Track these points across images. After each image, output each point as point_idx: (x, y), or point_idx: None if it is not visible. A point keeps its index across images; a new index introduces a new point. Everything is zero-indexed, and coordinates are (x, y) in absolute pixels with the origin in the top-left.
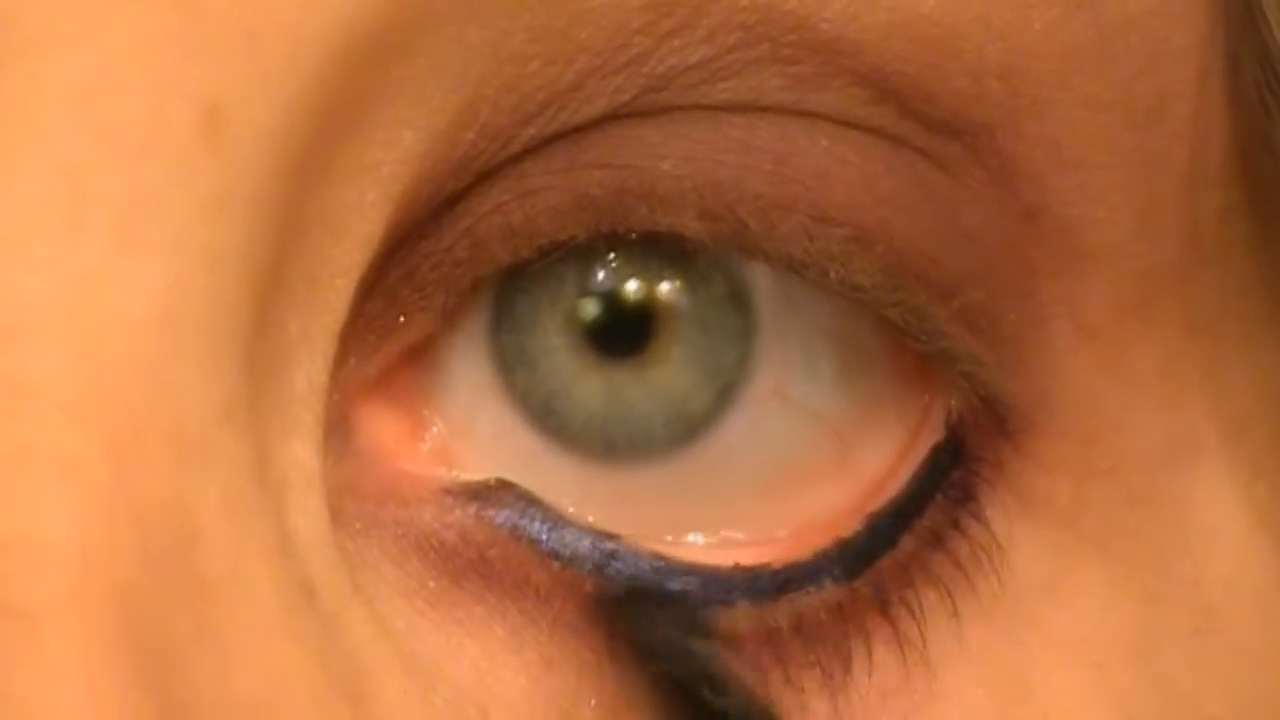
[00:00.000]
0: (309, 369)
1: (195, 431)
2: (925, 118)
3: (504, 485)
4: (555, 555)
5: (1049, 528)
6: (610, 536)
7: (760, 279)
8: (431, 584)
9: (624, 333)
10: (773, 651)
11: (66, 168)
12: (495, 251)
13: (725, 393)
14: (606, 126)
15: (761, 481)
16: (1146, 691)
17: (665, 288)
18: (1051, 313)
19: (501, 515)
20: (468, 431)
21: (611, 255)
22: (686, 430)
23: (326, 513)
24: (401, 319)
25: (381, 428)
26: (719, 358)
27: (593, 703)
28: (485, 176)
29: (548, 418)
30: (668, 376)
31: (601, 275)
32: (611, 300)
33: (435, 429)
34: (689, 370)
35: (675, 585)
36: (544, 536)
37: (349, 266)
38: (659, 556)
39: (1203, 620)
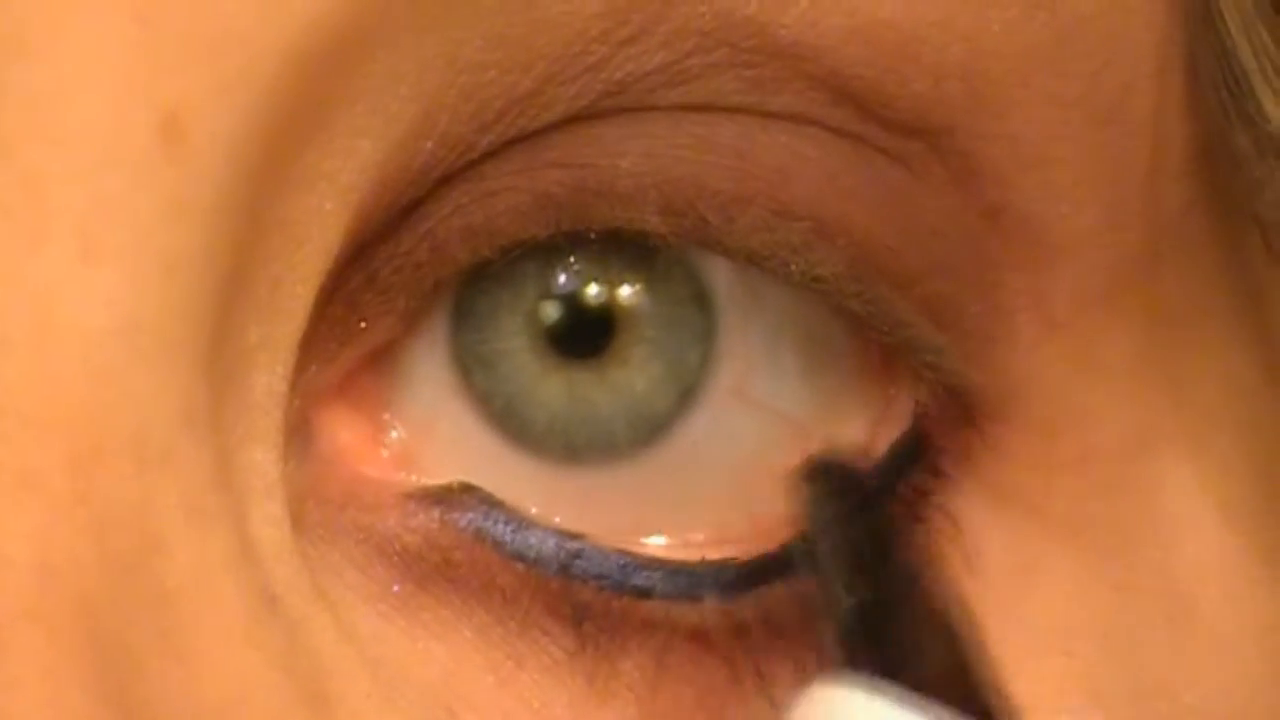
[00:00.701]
0: (269, 376)
1: (156, 440)
2: (885, 119)
3: (467, 488)
4: (520, 557)
5: (1017, 517)
6: (575, 536)
7: (721, 278)
8: (396, 588)
9: (585, 334)
10: (743, 645)
11: (27, 176)
12: (455, 252)
13: (687, 393)
14: (565, 127)
15: (725, 480)
16: (1118, 678)
17: (626, 290)
18: (1016, 305)
19: (465, 518)
20: (429, 435)
21: (572, 257)
22: (649, 431)
23: (288, 519)
24: (363, 324)
25: (342, 432)
26: (681, 358)
27: (564, 701)
28: (444, 180)
29: (509, 420)
30: (629, 377)
31: (563, 277)
32: (572, 302)
33: (396, 433)
34: (650, 371)
35: (641, 581)
36: (508, 538)
37: (308, 274)
38: (625, 554)
39: (1174, 607)
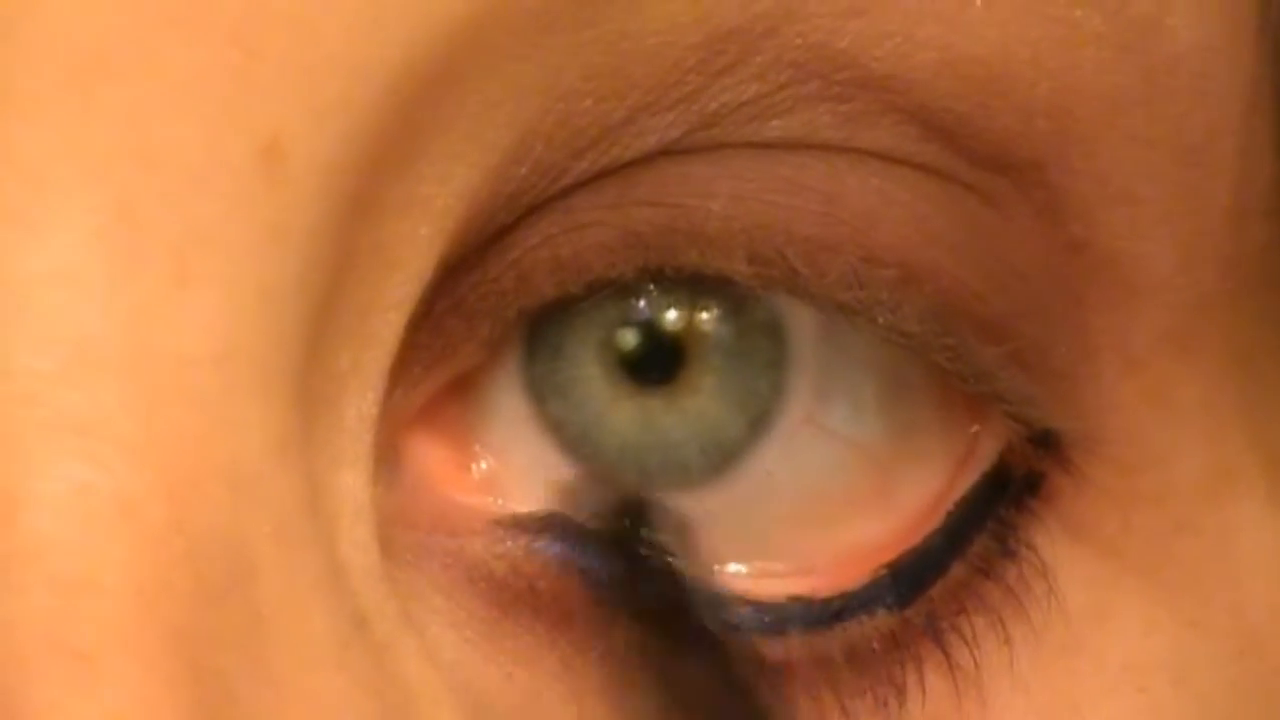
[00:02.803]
0: (359, 401)
1: (249, 467)
2: (973, 154)
3: (554, 517)
4: (606, 586)
5: (1095, 555)
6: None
7: (799, 309)
8: (481, 615)
9: (657, 361)
10: (827, 680)
11: (123, 199)
12: (541, 284)
13: (759, 421)
14: (656, 162)
15: (800, 510)
16: (1189, 715)
17: (700, 316)
18: (1099, 344)
19: (552, 548)
20: (510, 462)
21: (651, 285)
22: (722, 459)
23: (376, 544)
24: (448, 350)
25: (429, 458)
26: (752, 386)
27: None
28: (534, 210)
29: (583, 447)
30: (701, 405)
31: (636, 303)
32: (645, 329)
33: (482, 461)
34: (722, 399)
35: (729, 616)
36: (594, 567)
37: (400, 299)
38: (710, 587)
39: (1245, 645)
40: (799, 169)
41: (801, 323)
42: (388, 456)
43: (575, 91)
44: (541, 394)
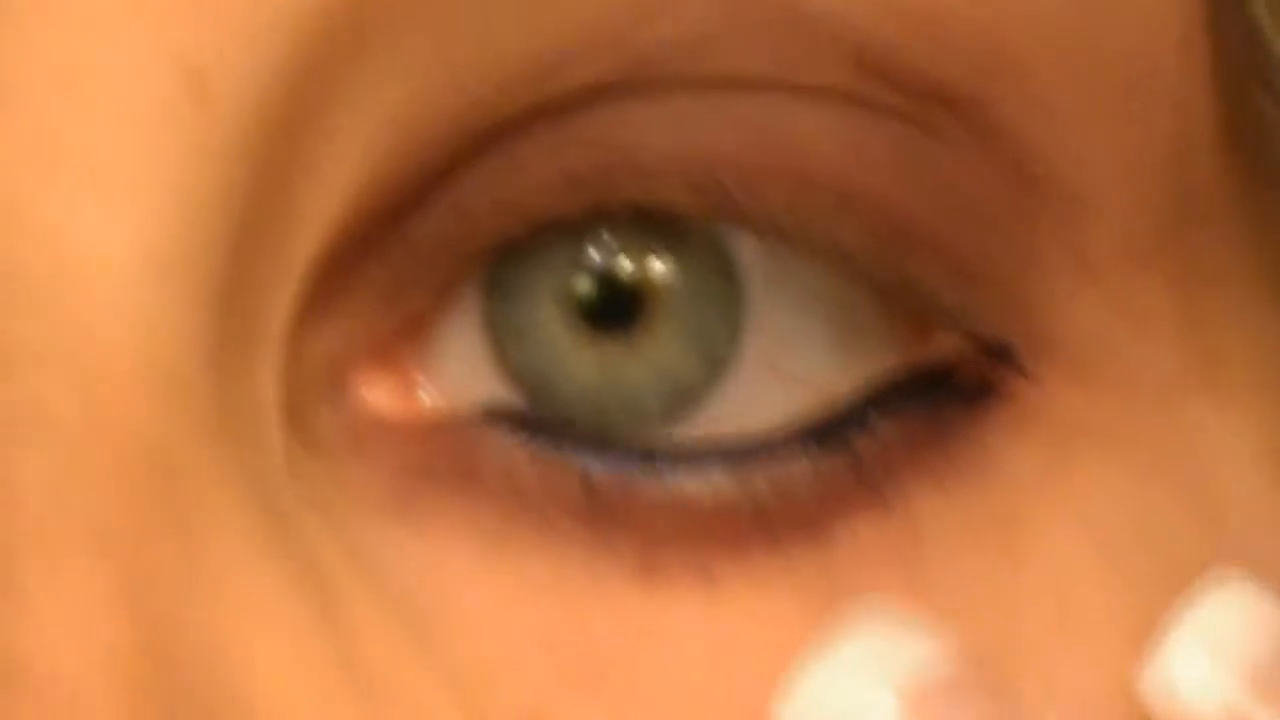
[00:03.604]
0: (276, 306)
1: (172, 371)
2: (910, 88)
3: (496, 412)
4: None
5: (1051, 443)
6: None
7: (748, 251)
8: (402, 497)
9: (615, 309)
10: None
11: (49, 122)
12: (484, 224)
13: (717, 366)
14: (591, 105)
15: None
16: (1156, 572)
17: (655, 264)
18: (1050, 257)
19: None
20: (460, 403)
21: (603, 232)
22: (680, 404)
23: (299, 441)
24: (399, 289)
25: (377, 392)
26: (709, 331)
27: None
28: (473, 151)
29: (540, 391)
30: (659, 350)
31: (588, 249)
32: (601, 276)
33: (431, 402)
34: (679, 344)
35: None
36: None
37: (323, 212)
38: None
39: (1207, 510)
40: (733, 102)
41: (753, 262)
42: (335, 388)
43: (501, 21)
44: (498, 337)
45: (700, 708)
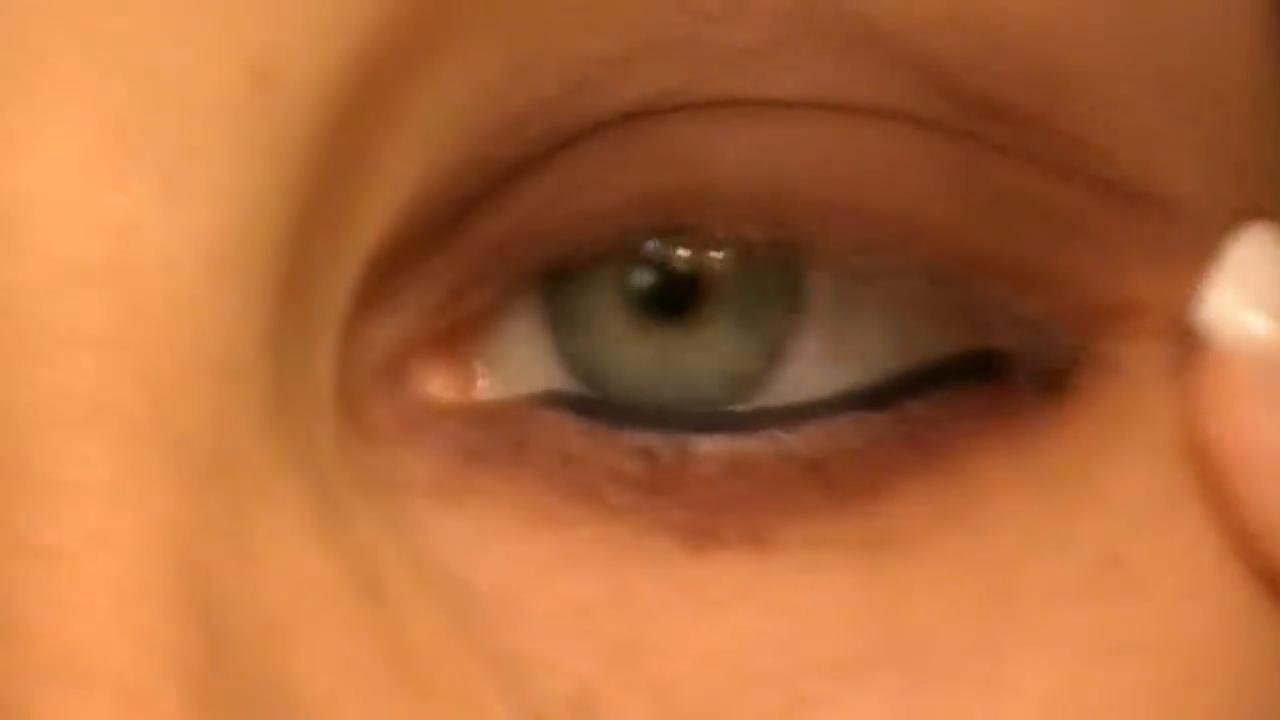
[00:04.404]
0: (339, 296)
1: (234, 361)
2: (978, 106)
3: (550, 396)
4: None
5: (1111, 420)
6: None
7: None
8: (453, 481)
9: (674, 297)
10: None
11: (114, 118)
12: (551, 228)
13: (775, 352)
14: (658, 119)
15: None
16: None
17: (713, 253)
18: (1123, 258)
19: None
20: (517, 391)
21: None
22: (740, 390)
23: (353, 426)
24: (460, 282)
25: (432, 382)
26: (768, 319)
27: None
28: (540, 157)
29: (600, 382)
30: (717, 337)
31: (652, 244)
32: (659, 266)
33: (484, 384)
34: (737, 330)
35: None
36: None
37: (380, 199)
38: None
39: None
40: (799, 124)
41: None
42: (391, 377)
43: (566, 23)
44: (558, 326)
45: (747, 673)
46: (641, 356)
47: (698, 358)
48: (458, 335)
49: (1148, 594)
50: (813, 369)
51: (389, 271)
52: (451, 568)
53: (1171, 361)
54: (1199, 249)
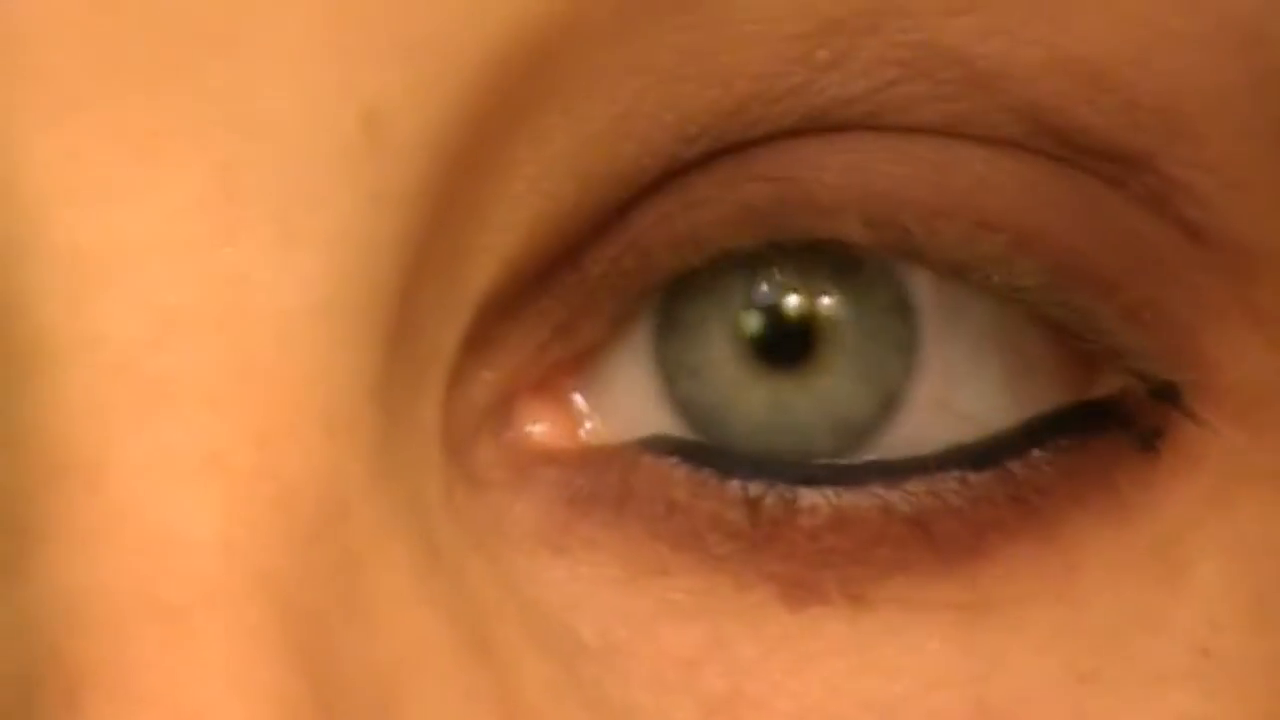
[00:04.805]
0: (448, 342)
1: (344, 411)
2: (1081, 147)
3: (659, 440)
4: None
5: (1212, 483)
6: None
7: (922, 288)
8: (556, 529)
9: (786, 344)
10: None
11: (225, 168)
12: (661, 260)
13: (889, 402)
14: (769, 143)
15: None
16: None
17: (826, 300)
18: (1220, 306)
19: (647, 458)
20: (624, 436)
21: (776, 269)
22: (851, 440)
23: (460, 477)
24: (573, 323)
25: (539, 425)
26: (882, 367)
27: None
28: (652, 188)
29: (710, 427)
30: (831, 386)
31: (761, 285)
32: (772, 312)
33: (590, 427)
34: (851, 380)
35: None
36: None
37: (490, 245)
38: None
39: None
40: (911, 144)
41: (925, 299)
42: (498, 420)
43: (673, 74)
44: (668, 372)
45: None
46: (753, 401)
47: (810, 405)
48: (563, 374)
49: (1242, 689)
50: (925, 420)
51: (497, 316)
52: (559, 619)
53: (1258, 430)
54: None
